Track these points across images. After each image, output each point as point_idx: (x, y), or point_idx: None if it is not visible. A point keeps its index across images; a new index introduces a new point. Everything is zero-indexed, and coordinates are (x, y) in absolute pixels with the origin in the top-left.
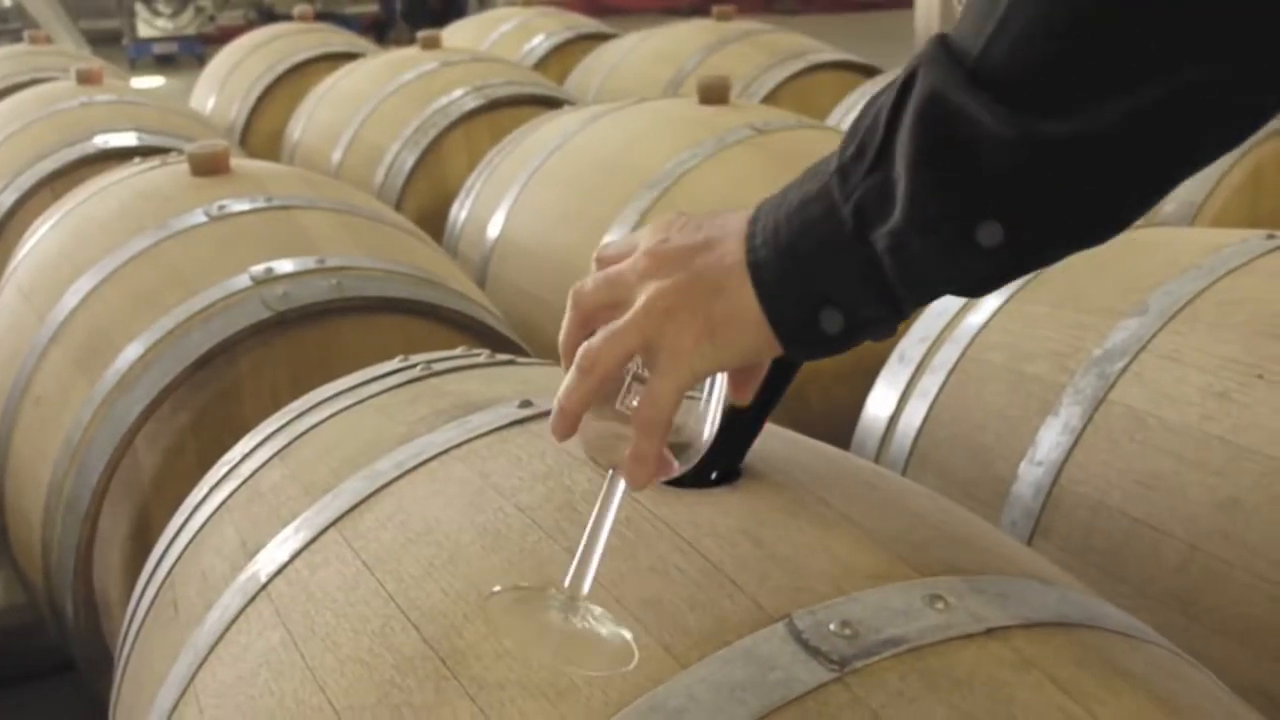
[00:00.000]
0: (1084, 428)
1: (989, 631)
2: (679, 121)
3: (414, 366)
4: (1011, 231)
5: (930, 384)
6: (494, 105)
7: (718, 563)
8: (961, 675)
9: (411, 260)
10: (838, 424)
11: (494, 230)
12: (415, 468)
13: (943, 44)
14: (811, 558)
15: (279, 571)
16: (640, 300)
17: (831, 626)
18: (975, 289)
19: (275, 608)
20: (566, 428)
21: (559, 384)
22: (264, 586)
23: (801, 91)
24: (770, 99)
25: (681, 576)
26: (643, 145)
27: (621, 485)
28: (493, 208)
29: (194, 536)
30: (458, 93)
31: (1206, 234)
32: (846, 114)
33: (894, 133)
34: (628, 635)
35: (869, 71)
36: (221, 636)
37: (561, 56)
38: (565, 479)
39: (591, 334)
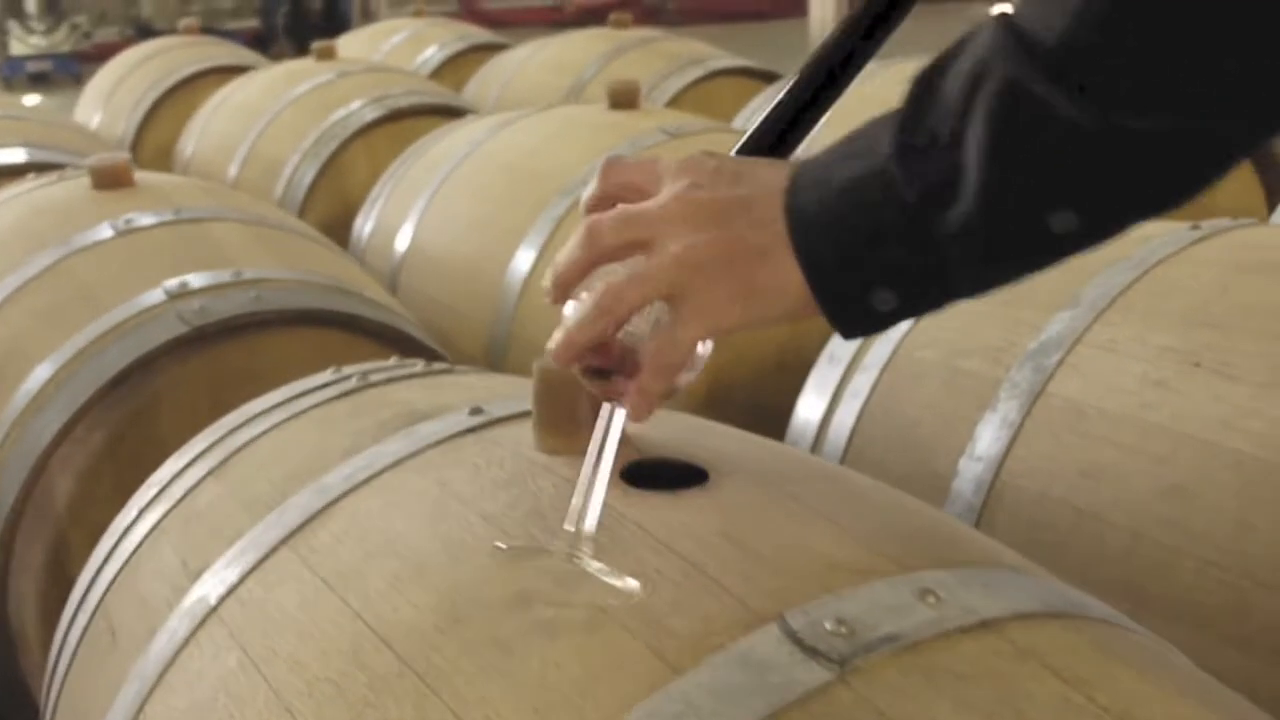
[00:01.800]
0: (1022, 421)
1: (982, 624)
2: (590, 127)
3: (349, 378)
4: (1084, 218)
5: (862, 383)
6: (395, 116)
7: (698, 564)
8: (962, 669)
9: (327, 271)
10: (765, 422)
11: (403, 241)
12: (366, 480)
13: (1012, 31)
14: (793, 556)
15: (229, 592)
16: (671, 248)
17: (827, 625)
18: (1033, 273)
19: (229, 630)
20: (573, 358)
21: (504, 391)
22: (214, 609)
23: (702, 98)
24: (672, 105)
25: (662, 579)
26: (554, 151)
27: (620, 417)
28: (400, 218)
29: (127, 561)
30: (357, 103)
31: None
32: (749, 119)
33: (964, 120)
34: (632, 581)
35: (768, 77)
36: (171, 663)
37: (455, 68)
38: (529, 485)
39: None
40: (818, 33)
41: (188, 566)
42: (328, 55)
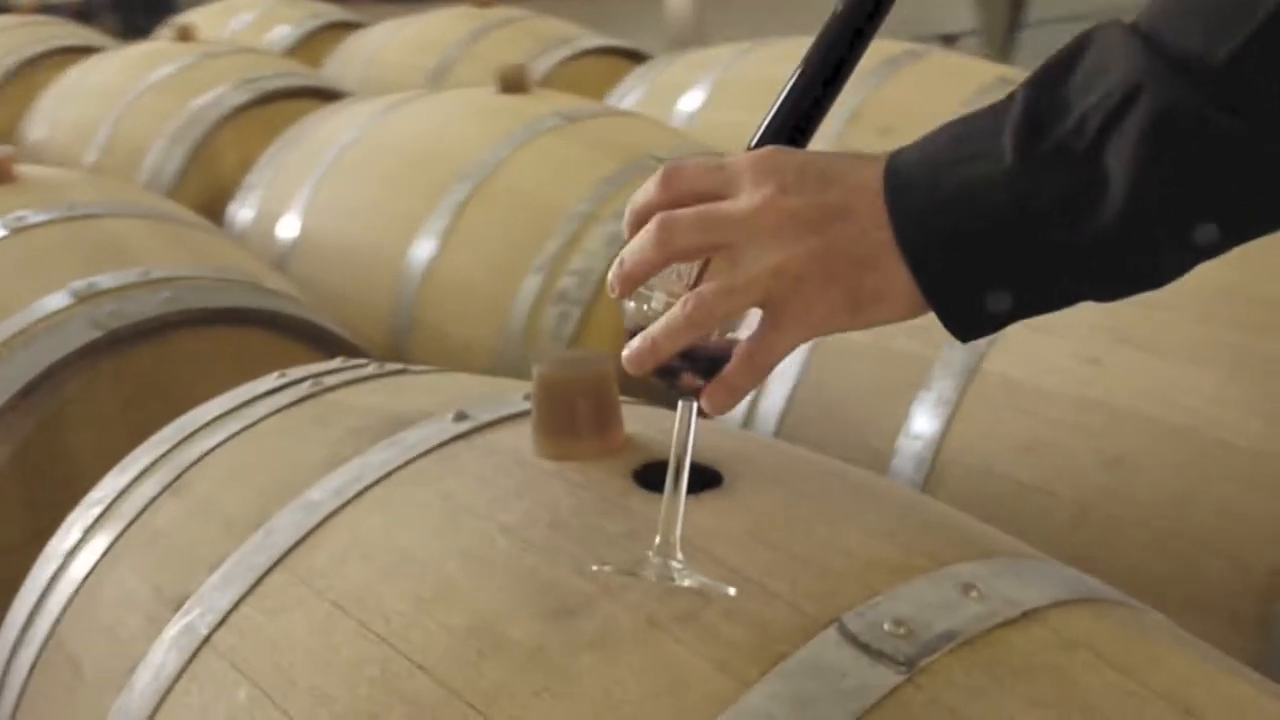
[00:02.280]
0: (959, 399)
1: (1025, 615)
2: (485, 111)
3: (299, 382)
4: (1225, 231)
5: (789, 365)
6: (266, 99)
7: (738, 569)
8: (1019, 663)
9: (235, 266)
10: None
11: (289, 229)
12: (359, 494)
13: (1162, 51)
14: (829, 556)
15: (222, 621)
16: (768, 259)
17: (885, 626)
18: (1161, 283)
19: (229, 662)
20: (655, 364)
21: (477, 392)
22: (206, 639)
23: (570, 78)
24: (541, 86)
25: (702, 589)
26: (450, 135)
27: (694, 413)
28: (284, 205)
29: (80, 587)
30: (224, 86)
31: None
32: (622, 99)
33: (1107, 135)
34: (730, 588)
35: (635, 56)
36: (164, 699)
37: (308, 47)
38: (542, 494)
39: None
40: (675, 8)
41: (162, 593)
42: (187, 36)
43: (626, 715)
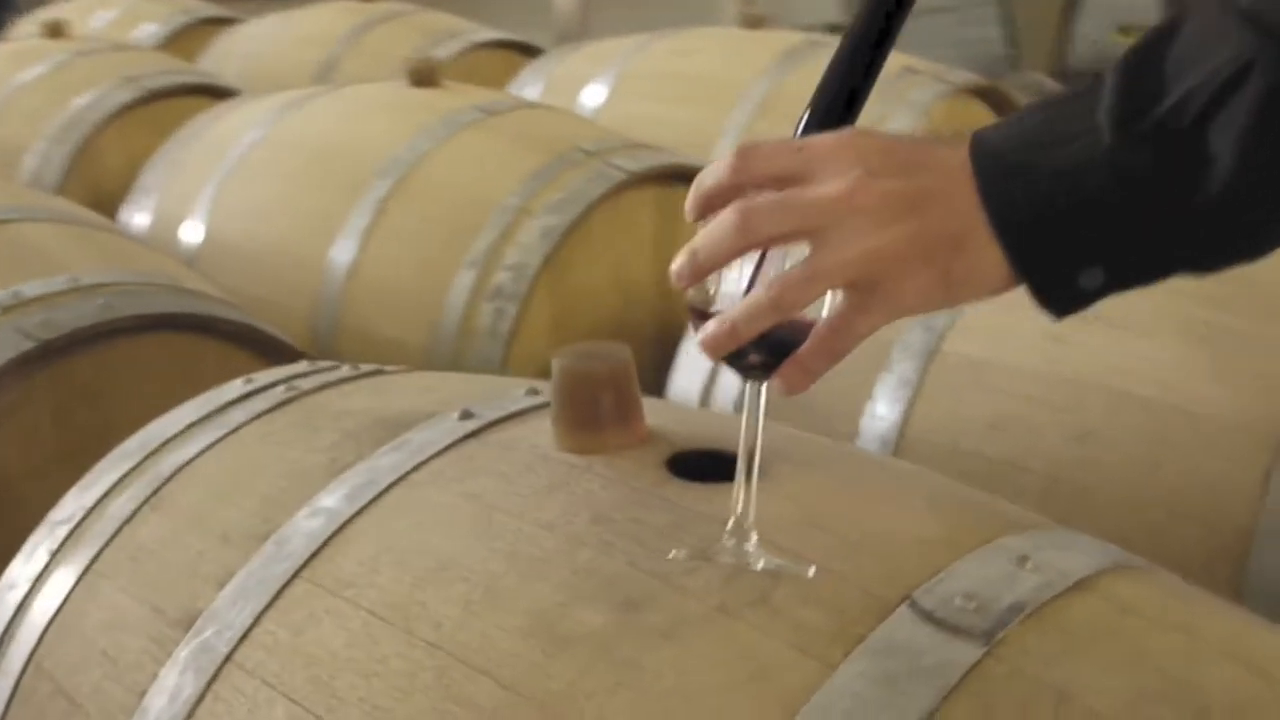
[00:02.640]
0: (921, 380)
1: (1077, 584)
2: (398, 106)
3: (271, 387)
4: None
5: None
6: (151, 98)
7: (800, 553)
8: (1084, 630)
9: (159, 270)
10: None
11: (193, 232)
12: (376, 499)
13: (1271, 32)
14: (881, 537)
15: (244, 637)
16: (859, 243)
17: (956, 602)
18: (1260, 256)
19: (260, 679)
20: (734, 348)
21: (469, 390)
22: (228, 657)
23: (462, 72)
24: None
25: (779, 571)
26: (364, 131)
27: (762, 396)
28: (185, 208)
29: (55, 614)
30: (106, 85)
31: None
32: (519, 93)
33: (1212, 114)
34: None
35: (528, 50)
36: None
37: (176, 46)
38: (577, 489)
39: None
40: (561, 2)
41: (164, 613)
42: (58, 32)
43: (710, 706)
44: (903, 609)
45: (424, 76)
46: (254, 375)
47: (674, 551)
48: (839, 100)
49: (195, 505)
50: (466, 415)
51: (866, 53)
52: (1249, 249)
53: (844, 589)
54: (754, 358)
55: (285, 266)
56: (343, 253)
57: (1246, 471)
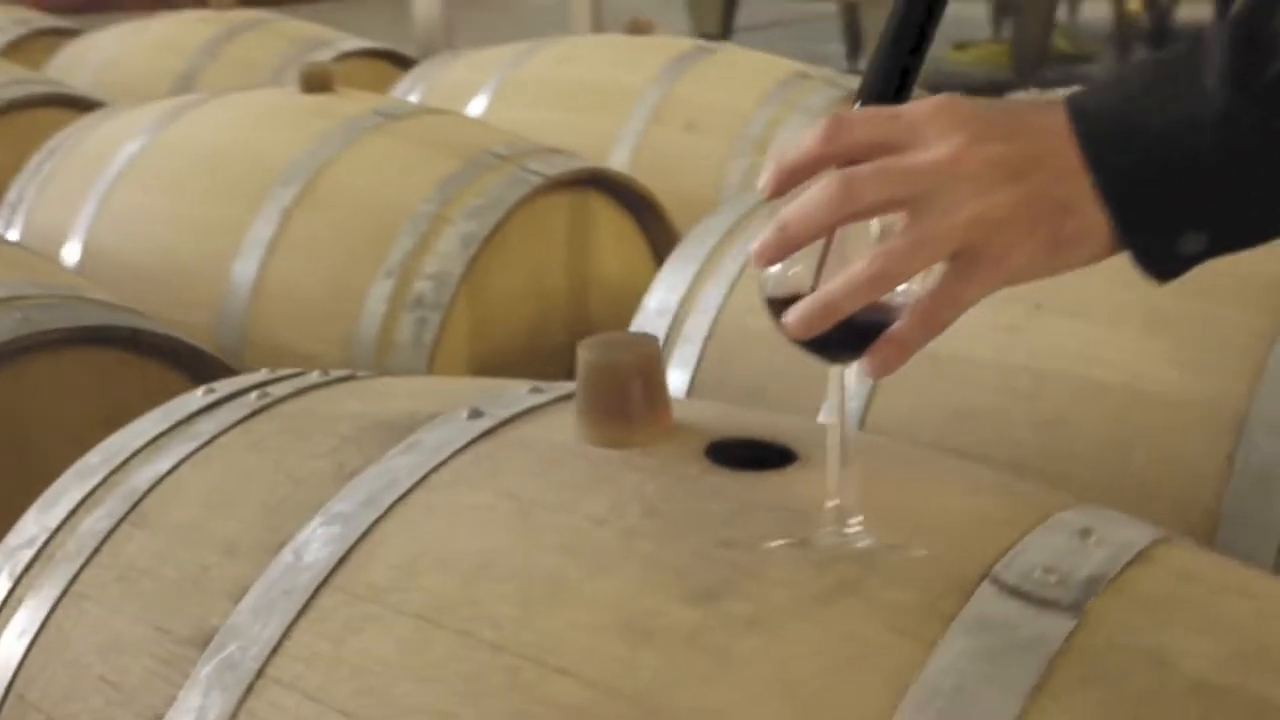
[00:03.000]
0: None
1: (1138, 555)
2: (294, 111)
3: (238, 395)
4: None
5: (688, 354)
6: (7, 108)
7: (875, 534)
8: (1159, 599)
9: (67, 284)
10: None
11: (74, 250)
12: (400, 500)
13: None
14: (944, 516)
15: (275, 652)
16: (967, 209)
17: (1037, 575)
18: None
19: (301, 694)
20: (829, 325)
21: (464, 389)
22: (260, 673)
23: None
24: None
25: (856, 553)
26: (260, 139)
27: (849, 378)
28: (64, 223)
29: (33, 642)
30: None
31: None
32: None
33: None
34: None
35: (399, 59)
36: None
37: (13, 57)
38: (620, 483)
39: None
40: (423, 13)
41: (170, 632)
42: None
43: (815, 691)
44: (986, 585)
45: (317, 81)
46: (214, 385)
47: (776, 541)
48: (891, 81)
49: (187, 519)
50: (476, 414)
51: (915, 31)
52: None
53: (924, 569)
54: (839, 338)
55: (181, 281)
56: (246, 265)
57: (1212, 453)
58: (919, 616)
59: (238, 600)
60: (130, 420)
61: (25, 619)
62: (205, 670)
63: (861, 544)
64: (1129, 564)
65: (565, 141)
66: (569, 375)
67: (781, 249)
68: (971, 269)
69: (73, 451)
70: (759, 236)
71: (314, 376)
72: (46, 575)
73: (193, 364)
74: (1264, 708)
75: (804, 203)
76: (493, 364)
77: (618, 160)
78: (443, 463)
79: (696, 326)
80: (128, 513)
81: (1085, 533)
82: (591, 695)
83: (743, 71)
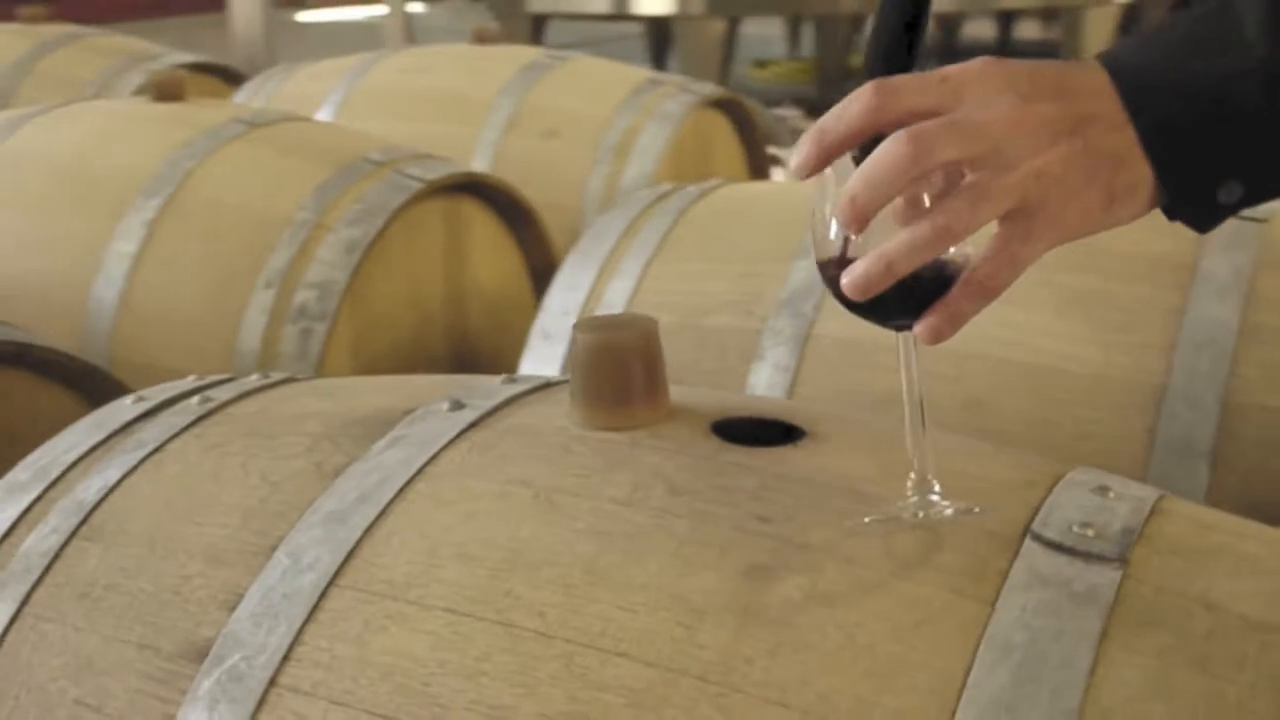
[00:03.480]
0: (798, 365)
1: (1153, 510)
2: (149, 121)
3: (178, 401)
4: None
5: None
6: None
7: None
8: (1191, 547)
9: None
10: None
11: None
12: (399, 495)
13: None
14: (966, 480)
15: (286, 658)
16: (1029, 163)
17: (1075, 530)
18: None
19: (326, 700)
20: (888, 285)
21: (428, 385)
22: (272, 683)
23: None
24: None
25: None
26: (115, 150)
27: (913, 345)
28: None
29: None
30: None
31: (797, 184)
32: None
33: None
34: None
35: (227, 74)
36: None
37: None
38: (638, 463)
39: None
40: (242, 30)
41: (157, 648)
42: None
43: (890, 655)
44: (1030, 543)
45: (169, 90)
46: (143, 394)
47: (866, 517)
48: (899, 44)
49: (151, 529)
50: (458, 406)
51: (907, 24)
52: None
53: (964, 530)
54: (897, 301)
55: (37, 302)
56: (109, 282)
57: (1133, 427)
58: (971, 577)
59: (232, 608)
60: (19, 441)
61: None
62: (207, 684)
63: (947, 512)
64: (1149, 518)
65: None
66: None
67: (858, 216)
68: (1029, 228)
69: None
70: (833, 204)
71: (254, 379)
72: None
73: (85, 383)
74: None
75: (872, 166)
76: (372, 374)
77: (476, 169)
78: (436, 455)
79: None
80: (78, 526)
81: (1103, 489)
82: (655, 675)
83: (596, 79)
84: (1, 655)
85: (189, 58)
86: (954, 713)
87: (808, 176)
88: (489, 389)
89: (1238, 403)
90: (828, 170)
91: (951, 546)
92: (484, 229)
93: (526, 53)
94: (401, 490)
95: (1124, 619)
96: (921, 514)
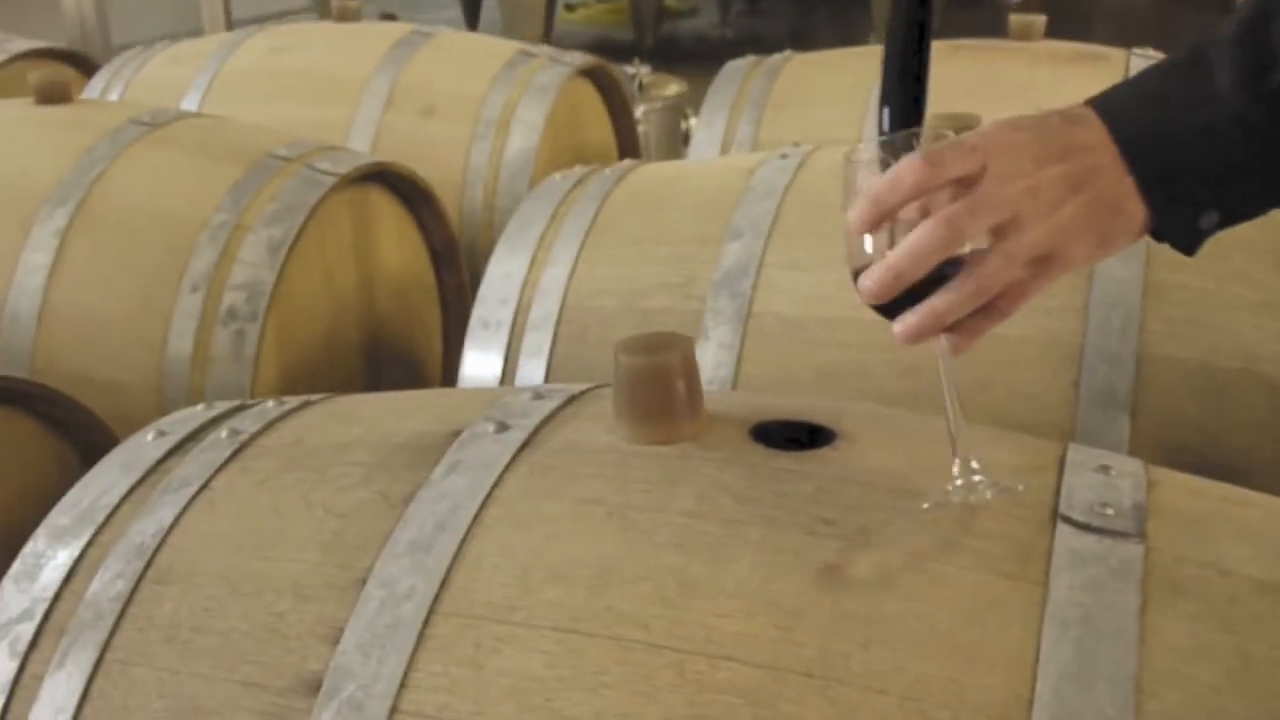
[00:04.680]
0: (741, 342)
1: (1150, 482)
2: (44, 127)
3: (202, 434)
4: None
5: (540, 341)
6: None
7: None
8: (1193, 516)
9: None
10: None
11: None
12: (476, 521)
13: None
14: (989, 468)
15: (403, 685)
16: (1046, 222)
17: (1096, 509)
18: None
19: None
20: (932, 333)
21: (447, 406)
22: (393, 709)
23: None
24: None
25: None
26: (13, 159)
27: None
28: None
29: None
30: None
31: (703, 163)
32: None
33: None
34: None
35: (74, 59)
36: None
37: None
38: (698, 477)
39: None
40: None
41: (264, 685)
42: None
43: (973, 640)
44: (1062, 525)
45: (54, 93)
46: (159, 427)
47: (924, 504)
48: (910, 107)
49: (226, 569)
50: (502, 427)
51: (914, 56)
52: None
53: (999, 517)
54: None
55: None
56: (24, 296)
57: (1058, 382)
58: (1018, 560)
59: (334, 641)
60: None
61: (60, 696)
62: (326, 716)
63: (987, 494)
64: (1150, 491)
65: (299, 135)
66: (366, 372)
67: (898, 286)
68: (1044, 269)
69: None
70: (870, 278)
71: (270, 406)
72: (66, 647)
73: (45, 409)
74: None
75: (916, 244)
76: (298, 370)
77: (356, 149)
78: (499, 478)
79: (542, 314)
80: (144, 570)
81: (1104, 469)
82: (765, 676)
83: (467, 54)
84: (92, 702)
85: (31, 44)
86: (1033, 686)
87: (863, 233)
88: (522, 406)
89: (1149, 354)
90: (861, 167)
91: (993, 533)
92: (388, 214)
93: (393, 29)
94: (477, 515)
95: (1157, 590)
96: (971, 496)
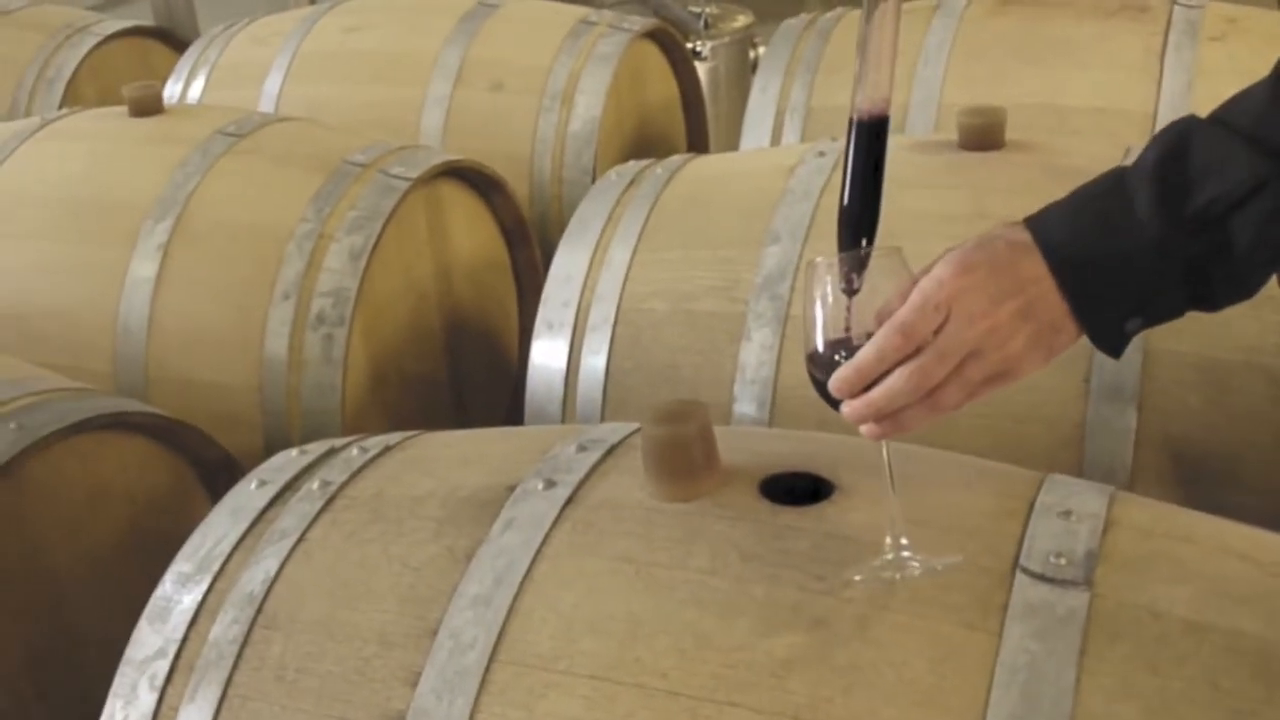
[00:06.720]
0: (781, 344)
1: (1106, 524)
2: (135, 140)
3: (296, 485)
4: None
5: (598, 341)
6: None
7: (918, 548)
8: (1137, 559)
9: (21, 372)
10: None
11: None
12: (527, 576)
13: (1273, 154)
14: (957, 517)
15: None
16: (1003, 351)
17: (1051, 560)
18: (1251, 296)
19: None
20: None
21: (502, 454)
22: None
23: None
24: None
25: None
26: (109, 172)
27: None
28: None
29: None
30: None
31: (748, 157)
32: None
33: (1233, 213)
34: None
35: (162, 35)
36: None
37: None
38: (711, 534)
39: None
40: None
41: (384, 707)
42: None
43: (934, 685)
44: (1020, 576)
45: (146, 105)
46: (260, 476)
47: (856, 575)
48: (867, 228)
49: (323, 617)
50: (550, 484)
51: (871, 181)
52: (1246, 297)
53: (967, 570)
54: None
55: (65, 330)
56: (134, 305)
57: (1071, 376)
58: (978, 612)
59: (413, 684)
60: (115, 498)
61: None
62: None
63: (917, 572)
64: (1105, 535)
65: (374, 114)
66: (447, 354)
67: (872, 418)
68: (1003, 378)
69: (68, 539)
70: (849, 408)
71: (354, 454)
72: (195, 682)
73: (168, 435)
74: (1237, 636)
75: (890, 393)
76: (385, 361)
77: (430, 126)
78: (547, 535)
79: (600, 317)
80: (255, 617)
81: (1066, 514)
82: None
83: (530, 25)
84: None
85: (123, 23)
86: None
87: (846, 398)
88: (569, 461)
89: (1153, 349)
90: (819, 276)
91: (960, 587)
92: (460, 203)
93: (456, 3)
94: (528, 571)
95: (1096, 634)
96: (899, 574)
